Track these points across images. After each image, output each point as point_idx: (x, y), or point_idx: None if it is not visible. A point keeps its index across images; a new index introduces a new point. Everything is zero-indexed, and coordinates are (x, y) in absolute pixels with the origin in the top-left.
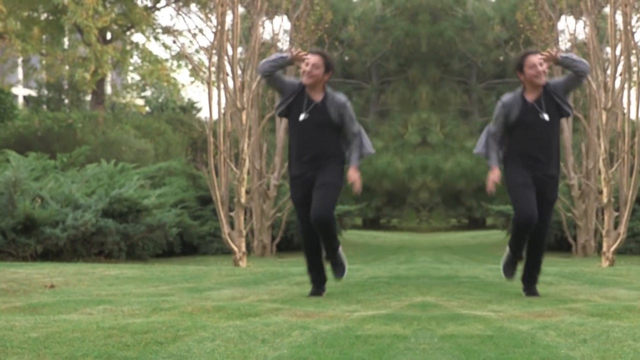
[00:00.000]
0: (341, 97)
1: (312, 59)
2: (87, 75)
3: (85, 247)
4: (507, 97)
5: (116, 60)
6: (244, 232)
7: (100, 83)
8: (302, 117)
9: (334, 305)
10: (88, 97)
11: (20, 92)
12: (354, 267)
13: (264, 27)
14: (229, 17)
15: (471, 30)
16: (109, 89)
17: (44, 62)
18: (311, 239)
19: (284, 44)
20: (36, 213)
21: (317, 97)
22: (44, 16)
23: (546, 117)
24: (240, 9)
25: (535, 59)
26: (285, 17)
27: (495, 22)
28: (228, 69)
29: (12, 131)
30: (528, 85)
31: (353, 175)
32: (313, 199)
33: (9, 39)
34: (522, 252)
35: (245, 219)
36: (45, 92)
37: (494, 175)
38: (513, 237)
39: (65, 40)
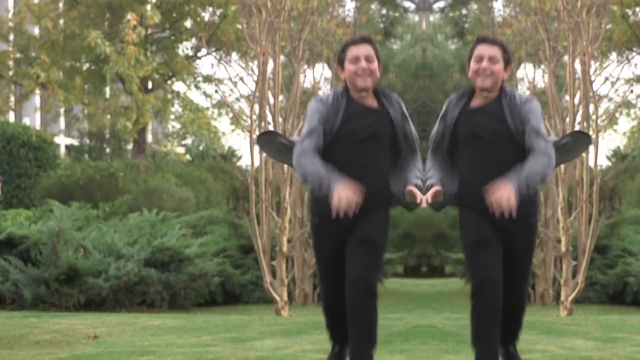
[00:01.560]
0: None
1: (363, 48)
2: (129, 124)
3: (127, 297)
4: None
5: (157, 109)
6: (286, 281)
7: (142, 132)
8: (357, 123)
9: (377, 355)
10: (129, 146)
11: (62, 141)
12: (396, 316)
13: (305, 75)
14: (270, 66)
15: (430, 77)
16: (150, 138)
17: (86, 111)
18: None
19: (324, 91)
20: (79, 263)
21: (372, 102)
22: (86, 66)
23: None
24: (282, 58)
25: (487, 49)
26: (325, 65)
27: (455, 70)
28: (269, 117)
29: (54, 180)
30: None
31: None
32: (352, 259)
33: (52, 89)
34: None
35: (287, 267)
36: (87, 141)
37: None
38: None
39: (107, 90)
